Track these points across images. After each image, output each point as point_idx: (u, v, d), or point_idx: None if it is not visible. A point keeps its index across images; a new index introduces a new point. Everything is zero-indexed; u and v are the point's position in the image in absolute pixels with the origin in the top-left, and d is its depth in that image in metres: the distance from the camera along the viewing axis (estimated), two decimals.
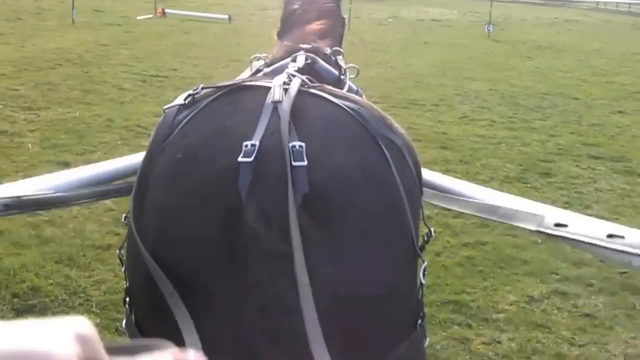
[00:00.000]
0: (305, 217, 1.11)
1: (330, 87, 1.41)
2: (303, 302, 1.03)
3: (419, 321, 1.31)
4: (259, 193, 1.11)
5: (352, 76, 1.89)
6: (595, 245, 1.38)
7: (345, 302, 1.11)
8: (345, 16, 2.20)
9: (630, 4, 38.53)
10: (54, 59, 10.82)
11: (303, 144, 1.15)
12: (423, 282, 1.33)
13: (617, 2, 42.08)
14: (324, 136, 1.20)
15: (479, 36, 19.29)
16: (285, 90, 1.27)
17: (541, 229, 1.46)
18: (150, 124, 7.02)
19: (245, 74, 1.90)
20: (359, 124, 1.26)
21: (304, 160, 1.13)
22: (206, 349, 1.10)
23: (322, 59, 1.79)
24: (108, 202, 4.80)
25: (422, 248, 1.36)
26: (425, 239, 1.44)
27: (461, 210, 1.71)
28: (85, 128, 6.89)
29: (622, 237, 1.35)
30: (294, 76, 1.40)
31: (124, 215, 1.43)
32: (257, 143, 1.14)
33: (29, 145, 6.18)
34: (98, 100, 8.20)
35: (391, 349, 1.20)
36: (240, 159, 1.12)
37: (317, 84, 1.40)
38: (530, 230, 1.49)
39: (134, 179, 1.41)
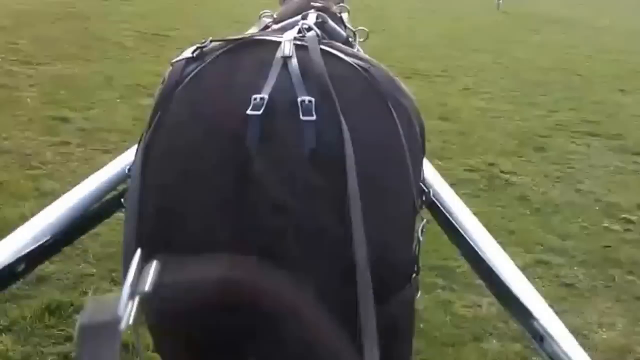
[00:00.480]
0: (312, 172, 1.12)
1: (340, 45, 1.40)
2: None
3: (414, 275, 1.33)
4: (269, 146, 1.12)
5: (361, 40, 1.89)
6: None
7: (348, 254, 1.11)
8: None
9: None
10: (55, 13, 10.82)
11: (312, 99, 1.15)
12: (421, 238, 1.38)
13: None
14: (334, 93, 1.17)
15: (488, 7, 19.24)
16: (295, 45, 1.27)
17: (526, 332, 1.35)
18: (150, 83, 7.05)
19: (254, 29, 1.82)
20: (368, 83, 1.25)
21: (312, 115, 1.13)
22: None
23: (331, 19, 1.74)
24: (105, 158, 4.94)
25: (421, 207, 1.39)
26: (424, 198, 1.46)
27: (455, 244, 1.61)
28: (85, 84, 6.94)
29: None
30: (308, 30, 1.39)
31: (127, 167, 1.46)
32: (266, 96, 1.14)
33: (28, 99, 6.23)
34: (98, 57, 8.24)
35: (385, 300, 1.17)
36: (249, 111, 1.13)
37: (328, 41, 1.40)
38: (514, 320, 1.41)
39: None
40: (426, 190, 1.47)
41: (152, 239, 1.16)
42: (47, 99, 6.31)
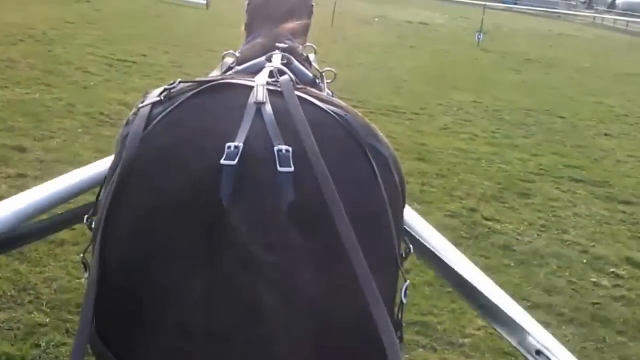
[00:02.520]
0: (291, 227, 1.09)
1: (315, 90, 1.39)
2: None
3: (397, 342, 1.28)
4: (243, 199, 1.08)
5: (329, 81, 1.87)
6: None
7: (326, 318, 1.11)
8: (314, 4, 2.14)
9: (628, 21, 39.13)
10: (16, 35, 10.68)
11: (290, 149, 1.12)
12: (404, 301, 1.32)
13: (615, 19, 42.77)
14: (310, 142, 1.15)
15: (468, 44, 19.50)
16: (269, 90, 1.25)
17: (521, 349, 1.50)
18: (114, 112, 7.01)
19: (216, 72, 1.81)
20: (346, 131, 1.24)
21: (290, 166, 1.10)
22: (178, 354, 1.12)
23: (298, 60, 1.75)
24: None
25: (402, 263, 1.34)
26: (404, 255, 1.42)
27: (440, 274, 1.77)
28: (45, 112, 6.82)
29: None
30: (280, 74, 1.38)
31: (86, 217, 1.41)
32: (241, 145, 1.11)
33: None
34: (60, 83, 8.13)
35: None
36: (223, 161, 1.09)
37: (302, 86, 1.38)
38: (508, 341, 1.53)
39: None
40: (408, 244, 1.48)
41: (117, 291, 1.15)
42: (3, 126, 6.16)
